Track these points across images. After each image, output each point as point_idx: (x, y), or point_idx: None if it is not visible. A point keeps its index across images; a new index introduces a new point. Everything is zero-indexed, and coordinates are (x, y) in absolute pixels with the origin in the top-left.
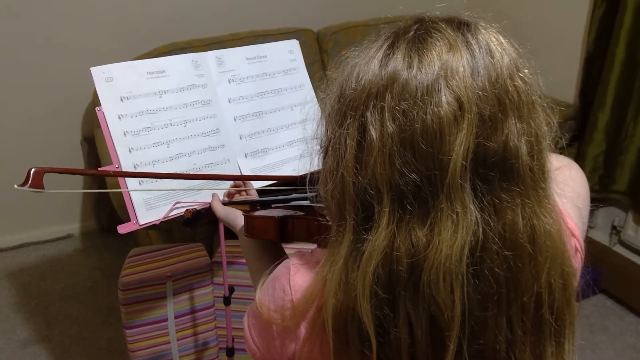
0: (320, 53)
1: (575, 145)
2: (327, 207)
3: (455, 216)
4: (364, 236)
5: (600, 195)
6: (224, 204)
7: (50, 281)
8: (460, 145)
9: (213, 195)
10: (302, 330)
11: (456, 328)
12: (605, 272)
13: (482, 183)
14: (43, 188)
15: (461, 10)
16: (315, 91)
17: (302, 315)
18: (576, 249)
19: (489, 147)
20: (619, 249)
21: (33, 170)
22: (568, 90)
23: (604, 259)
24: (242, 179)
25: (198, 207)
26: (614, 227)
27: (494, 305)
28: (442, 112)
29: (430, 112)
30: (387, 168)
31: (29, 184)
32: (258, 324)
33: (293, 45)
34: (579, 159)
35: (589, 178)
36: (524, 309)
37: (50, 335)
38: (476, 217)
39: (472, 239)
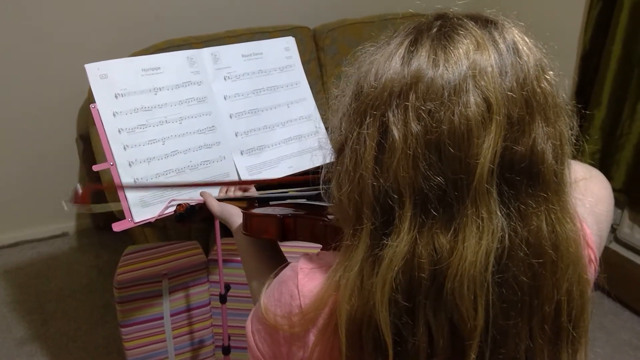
0: (317, 51)
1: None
2: (341, 209)
3: (480, 222)
4: (383, 241)
5: None
6: (220, 200)
7: (46, 279)
8: (489, 148)
9: (203, 193)
10: (311, 337)
11: (478, 337)
12: (601, 270)
13: (508, 188)
14: (90, 204)
15: (485, 8)
16: (313, 88)
17: (312, 322)
18: (590, 259)
19: (517, 151)
20: (614, 246)
21: (80, 189)
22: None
23: (600, 256)
24: (248, 184)
25: (192, 203)
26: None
27: (517, 313)
28: (470, 113)
29: (458, 113)
30: (411, 171)
31: (76, 202)
32: (263, 330)
33: (289, 42)
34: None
35: None
36: (545, 317)
37: (46, 334)
38: (502, 224)
39: (498, 245)
